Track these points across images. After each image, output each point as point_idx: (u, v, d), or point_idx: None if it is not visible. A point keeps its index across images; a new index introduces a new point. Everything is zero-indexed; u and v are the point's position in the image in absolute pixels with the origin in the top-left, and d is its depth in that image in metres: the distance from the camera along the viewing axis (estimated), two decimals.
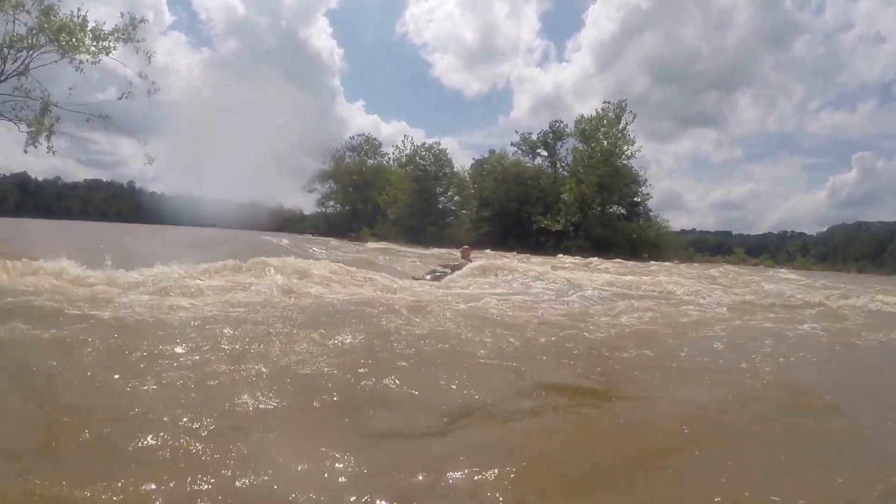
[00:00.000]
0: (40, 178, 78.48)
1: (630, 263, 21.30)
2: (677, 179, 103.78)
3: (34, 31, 8.73)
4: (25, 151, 9.13)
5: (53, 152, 9.25)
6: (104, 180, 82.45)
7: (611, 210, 40.92)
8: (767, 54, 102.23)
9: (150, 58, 9.91)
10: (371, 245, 29.27)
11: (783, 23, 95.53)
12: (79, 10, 9.15)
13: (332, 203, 47.02)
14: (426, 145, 43.81)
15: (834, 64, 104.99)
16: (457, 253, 16.24)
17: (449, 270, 10.14)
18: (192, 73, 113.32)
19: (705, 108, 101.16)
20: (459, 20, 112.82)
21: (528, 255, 25.64)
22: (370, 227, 42.27)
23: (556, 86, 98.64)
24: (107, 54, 9.28)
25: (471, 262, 11.12)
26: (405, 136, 53.41)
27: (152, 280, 5.65)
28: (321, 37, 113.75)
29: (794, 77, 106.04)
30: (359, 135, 49.85)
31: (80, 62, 9.07)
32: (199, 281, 5.95)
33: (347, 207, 46.08)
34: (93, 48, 9.08)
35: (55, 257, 5.94)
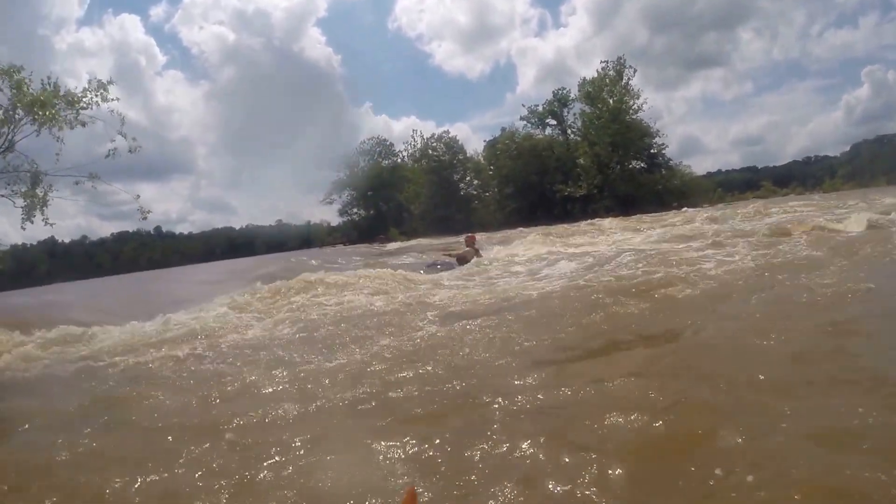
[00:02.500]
0: (67, 241, 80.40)
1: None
2: (692, 123, 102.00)
3: (9, 109, 8.69)
4: (23, 228, 8.92)
5: (51, 225, 9.10)
6: (130, 231, 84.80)
7: (630, 166, 40.91)
8: None
9: (123, 119, 9.42)
10: (396, 245, 29.79)
11: None
12: (49, 77, 9.08)
13: (355, 210, 47.93)
14: (436, 136, 44.39)
15: None
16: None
17: (454, 261, 9.68)
18: (196, 107, 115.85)
19: (708, 48, 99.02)
20: (451, 4, 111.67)
21: (553, 225, 25.86)
22: (398, 226, 43.01)
23: (557, 52, 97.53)
24: (83, 125, 9.17)
25: (476, 249, 10.42)
26: (414, 130, 53.76)
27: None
28: (316, 47, 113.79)
29: (793, 3, 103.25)
30: (370, 138, 50.50)
31: (60, 129, 8.95)
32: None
33: (372, 212, 46.86)
34: (69, 116, 9.02)
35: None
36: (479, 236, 15.63)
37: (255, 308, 7.20)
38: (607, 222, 20.43)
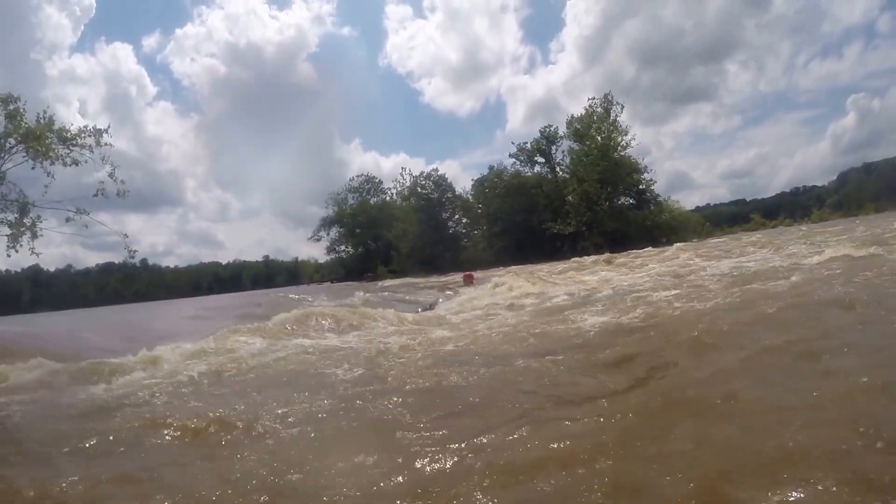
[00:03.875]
0: (52, 269, 79.60)
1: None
2: (680, 158, 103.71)
3: (2, 136, 8.73)
4: (8, 255, 8.95)
5: (37, 255, 9.07)
6: (116, 262, 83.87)
7: (619, 202, 40.83)
8: (748, 18, 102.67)
9: (115, 168, 9.45)
10: (390, 282, 29.42)
11: None
12: (45, 111, 9.07)
13: (343, 248, 47.39)
14: (424, 174, 44.34)
15: (815, 14, 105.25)
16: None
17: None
18: (185, 139, 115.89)
19: (696, 82, 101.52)
20: (441, 42, 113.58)
21: (541, 263, 25.43)
22: (386, 264, 42.49)
23: (547, 90, 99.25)
24: (76, 164, 9.17)
25: (474, 288, 10.30)
26: (403, 168, 53.92)
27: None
28: (307, 82, 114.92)
29: (778, 35, 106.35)
30: (358, 175, 50.49)
31: (52, 164, 8.99)
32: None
33: (360, 249, 46.36)
34: (62, 152, 9.00)
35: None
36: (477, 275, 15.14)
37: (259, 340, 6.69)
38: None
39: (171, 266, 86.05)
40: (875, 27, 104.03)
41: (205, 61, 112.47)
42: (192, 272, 75.93)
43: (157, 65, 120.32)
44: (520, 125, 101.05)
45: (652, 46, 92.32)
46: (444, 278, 25.29)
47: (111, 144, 9.45)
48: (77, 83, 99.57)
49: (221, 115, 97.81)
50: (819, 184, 68.39)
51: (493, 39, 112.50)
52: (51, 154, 8.84)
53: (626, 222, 38.84)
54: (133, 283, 79.76)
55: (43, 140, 8.73)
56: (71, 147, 9.13)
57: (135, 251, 10.60)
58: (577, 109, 47.76)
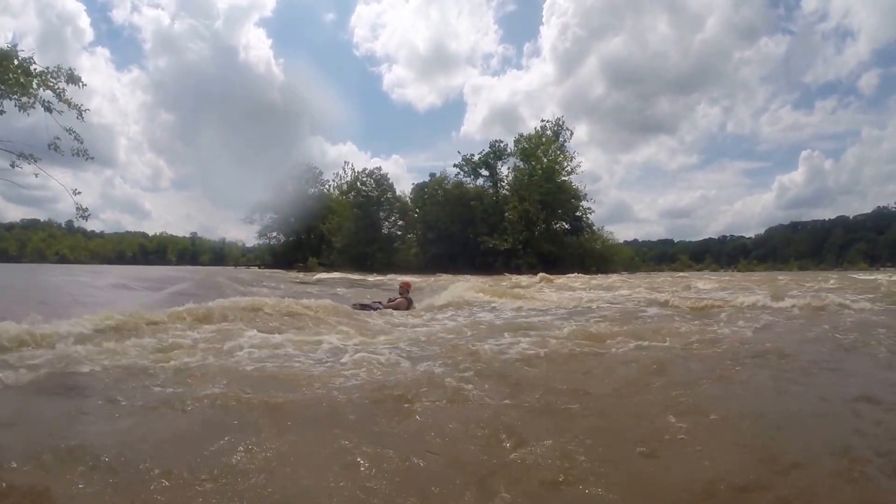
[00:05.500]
0: None
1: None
2: (628, 190, 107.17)
3: None
4: None
5: None
6: (41, 220, 78.08)
7: (556, 226, 41.54)
8: (737, 51, 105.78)
9: (82, 114, 8.41)
10: (323, 275, 28.41)
11: (746, 26, 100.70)
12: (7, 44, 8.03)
13: (274, 234, 45.78)
14: (367, 171, 43.61)
15: (802, 60, 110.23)
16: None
17: (380, 305, 8.49)
18: (121, 94, 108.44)
19: (661, 112, 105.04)
20: (412, 24, 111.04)
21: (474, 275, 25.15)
22: (316, 256, 41.36)
23: (511, 95, 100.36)
24: (50, 110, 8.05)
25: (409, 299, 9.08)
26: (346, 161, 52.66)
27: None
28: (259, 47, 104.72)
29: (758, 75, 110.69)
30: (299, 164, 48.11)
31: (24, 104, 7.92)
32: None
33: (291, 238, 44.90)
34: (31, 90, 7.96)
35: None
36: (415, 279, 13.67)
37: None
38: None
39: (97, 231, 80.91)
40: (856, 84, 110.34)
41: (151, 12, 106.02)
42: (117, 240, 71.44)
43: (98, 6, 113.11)
44: (476, 130, 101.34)
45: (628, 67, 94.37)
46: (380, 277, 24.63)
47: (85, 83, 8.29)
48: (5, 14, 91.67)
49: (164, 74, 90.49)
50: (748, 234, 72.42)
51: (468, 31, 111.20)
52: (29, 89, 7.71)
53: (560, 246, 39.48)
54: (56, 243, 74.70)
55: (11, 68, 7.63)
56: (37, 87, 7.94)
57: (87, 212, 9.25)
58: (535, 123, 48.54)
